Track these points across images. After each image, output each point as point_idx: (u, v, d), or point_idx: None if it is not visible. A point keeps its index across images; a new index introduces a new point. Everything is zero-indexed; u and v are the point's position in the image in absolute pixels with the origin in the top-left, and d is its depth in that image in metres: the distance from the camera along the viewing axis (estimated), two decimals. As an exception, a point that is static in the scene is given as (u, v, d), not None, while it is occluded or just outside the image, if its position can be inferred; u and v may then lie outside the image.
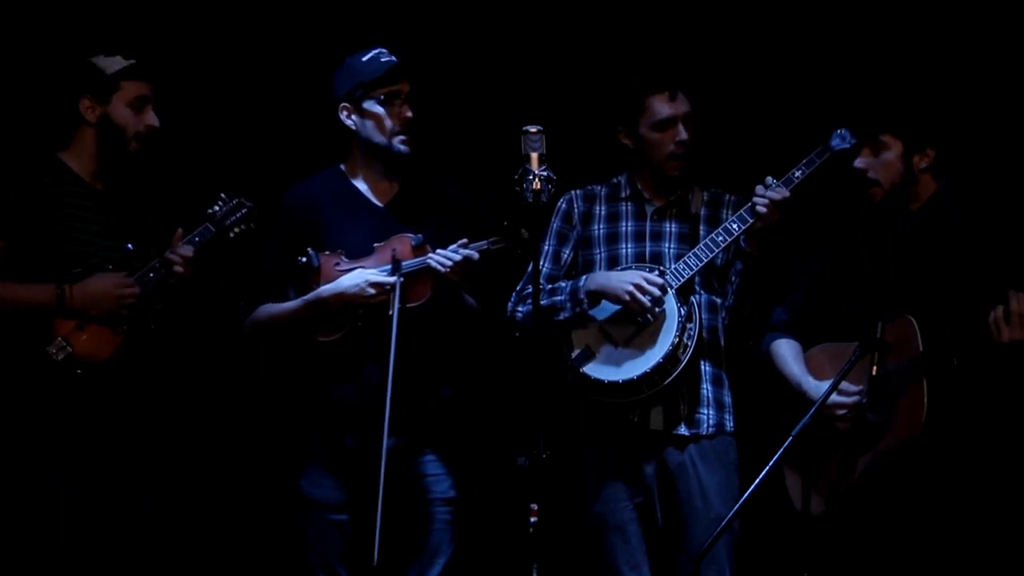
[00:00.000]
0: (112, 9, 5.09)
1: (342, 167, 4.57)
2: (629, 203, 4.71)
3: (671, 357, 4.47)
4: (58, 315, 4.29)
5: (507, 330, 4.67)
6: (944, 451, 4.21)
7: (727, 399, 4.64)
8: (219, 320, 5.00)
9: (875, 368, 4.09)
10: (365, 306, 4.33)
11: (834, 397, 4.25)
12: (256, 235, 4.55)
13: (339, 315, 4.37)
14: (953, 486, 4.21)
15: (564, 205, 4.76)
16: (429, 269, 4.31)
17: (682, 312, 4.50)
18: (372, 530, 4.13)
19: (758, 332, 4.63)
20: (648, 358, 4.49)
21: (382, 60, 4.45)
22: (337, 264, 4.40)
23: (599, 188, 4.76)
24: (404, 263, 4.30)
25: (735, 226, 4.49)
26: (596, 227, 4.72)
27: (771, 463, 4.00)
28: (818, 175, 4.48)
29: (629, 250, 4.66)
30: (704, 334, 4.56)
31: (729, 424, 4.63)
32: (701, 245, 4.55)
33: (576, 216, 4.74)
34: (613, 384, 4.49)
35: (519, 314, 4.64)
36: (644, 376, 4.47)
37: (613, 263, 4.66)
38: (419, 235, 4.38)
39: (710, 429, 4.58)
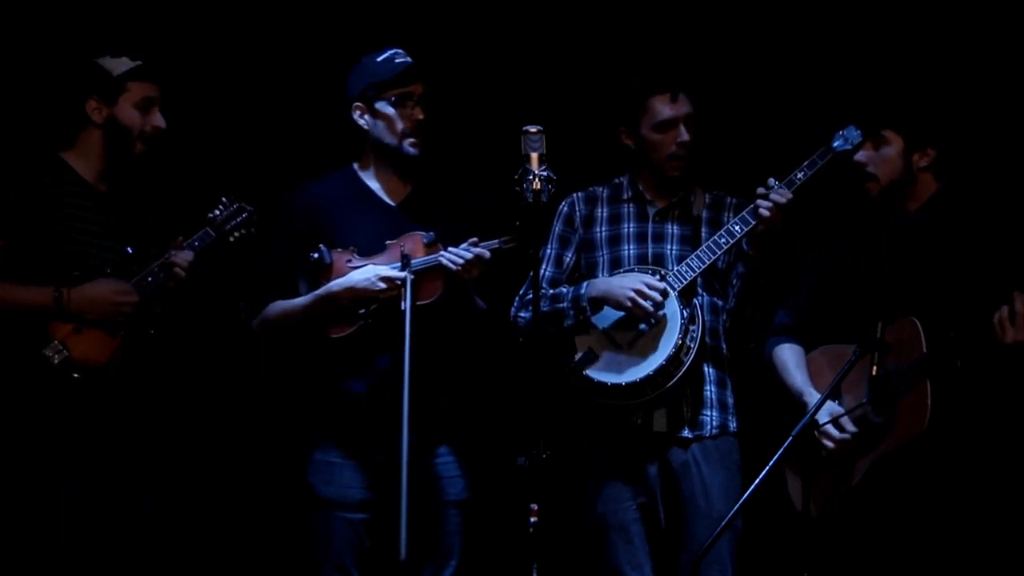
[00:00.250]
0: (118, 10, 5.11)
1: (355, 166, 4.59)
2: (631, 204, 4.71)
3: (674, 359, 4.47)
4: (55, 318, 4.30)
5: (510, 333, 4.67)
6: (946, 452, 4.20)
7: (730, 400, 4.64)
8: (219, 322, 5.01)
9: (875, 368, 4.09)
10: (376, 300, 4.34)
11: (830, 428, 4.25)
12: (256, 237, 4.56)
13: (349, 310, 4.37)
14: (955, 487, 4.20)
15: (566, 208, 4.76)
16: (440, 267, 4.31)
17: (685, 314, 4.50)
18: (389, 526, 4.14)
19: (760, 335, 4.63)
20: (651, 361, 4.49)
21: (396, 61, 4.47)
22: (349, 261, 4.41)
23: (601, 190, 4.77)
24: (415, 260, 4.31)
25: (737, 228, 4.49)
26: (598, 229, 4.72)
27: (771, 463, 3.99)
28: (820, 176, 4.47)
29: (631, 252, 4.66)
30: (707, 336, 4.56)
31: (732, 425, 4.62)
32: (703, 247, 4.55)
33: (578, 219, 4.75)
34: (616, 387, 4.49)
35: (521, 319, 4.64)
36: (647, 378, 4.47)
37: (616, 265, 4.66)
38: (431, 233, 4.39)
39: (713, 431, 4.58)
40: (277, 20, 5.36)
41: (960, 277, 4.25)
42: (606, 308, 4.56)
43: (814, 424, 4.13)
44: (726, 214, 4.66)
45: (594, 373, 4.54)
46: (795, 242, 4.63)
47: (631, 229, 4.69)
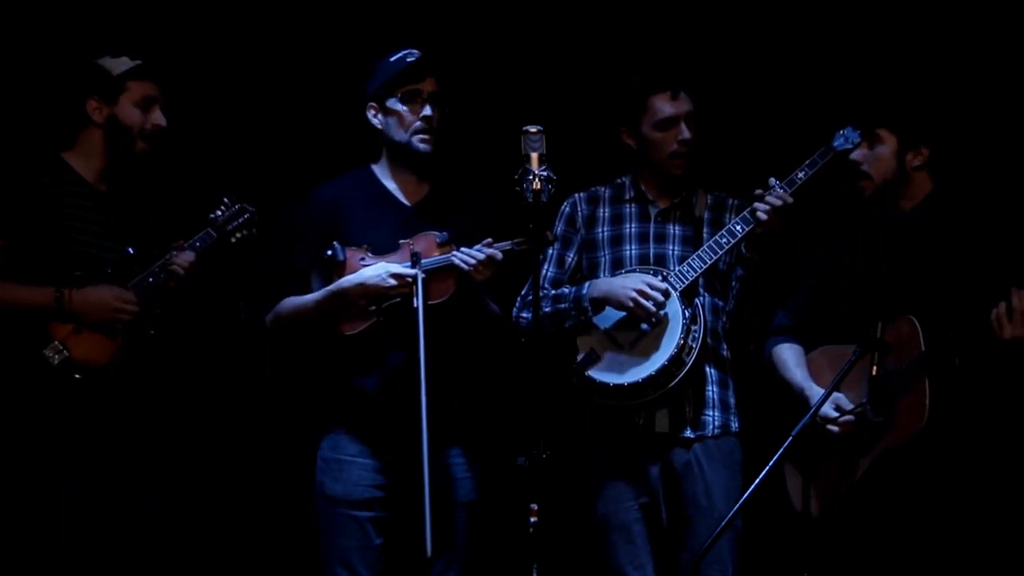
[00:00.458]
0: (118, 10, 5.11)
1: (373, 167, 4.59)
2: (633, 205, 4.71)
3: (676, 359, 4.47)
4: (55, 318, 4.30)
5: (511, 334, 4.67)
6: (946, 450, 4.20)
7: (732, 400, 4.64)
8: (219, 322, 5.01)
9: (875, 368, 4.09)
10: (386, 297, 4.34)
11: (830, 411, 4.25)
12: (257, 237, 4.56)
13: (361, 306, 4.37)
14: (955, 485, 4.20)
15: (568, 208, 4.76)
16: (452, 267, 4.32)
17: (686, 314, 4.50)
18: (402, 524, 4.21)
19: (760, 336, 4.63)
20: (653, 361, 4.49)
21: (408, 60, 4.48)
22: (362, 259, 4.42)
23: (603, 189, 4.77)
24: (426, 259, 4.31)
25: (739, 228, 4.48)
26: (600, 230, 4.72)
27: (771, 462, 3.99)
28: (820, 176, 4.47)
29: (633, 252, 4.66)
30: (708, 336, 4.55)
31: (734, 425, 4.62)
32: (705, 247, 4.54)
33: (580, 219, 4.75)
34: (618, 387, 4.49)
35: (523, 320, 4.64)
36: (649, 379, 4.47)
37: (617, 265, 4.66)
38: (444, 233, 4.39)
39: (716, 431, 4.58)
40: (277, 20, 5.36)
41: (958, 276, 4.25)
42: (608, 308, 4.56)
43: (818, 415, 4.12)
44: (728, 215, 4.66)
45: (596, 373, 4.54)
46: (794, 243, 4.63)
47: (633, 229, 4.69)
